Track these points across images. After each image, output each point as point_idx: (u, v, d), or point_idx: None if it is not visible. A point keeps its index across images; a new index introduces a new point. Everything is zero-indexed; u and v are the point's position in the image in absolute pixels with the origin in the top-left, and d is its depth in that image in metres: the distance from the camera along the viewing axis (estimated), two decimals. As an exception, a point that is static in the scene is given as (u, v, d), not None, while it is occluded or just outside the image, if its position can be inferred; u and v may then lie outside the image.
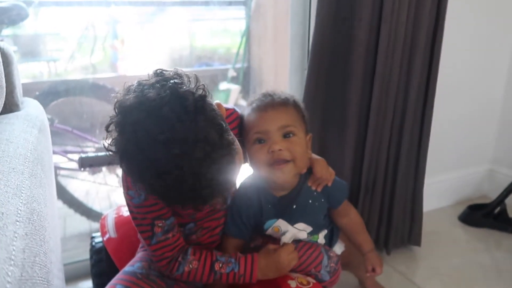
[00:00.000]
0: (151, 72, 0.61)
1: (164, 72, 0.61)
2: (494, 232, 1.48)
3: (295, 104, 0.81)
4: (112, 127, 0.58)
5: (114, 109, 0.58)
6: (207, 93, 0.60)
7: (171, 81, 0.57)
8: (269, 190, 0.83)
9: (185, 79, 0.59)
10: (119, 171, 1.63)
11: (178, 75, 0.60)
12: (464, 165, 1.68)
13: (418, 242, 1.35)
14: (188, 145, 0.54)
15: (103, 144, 0.60)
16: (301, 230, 0.86)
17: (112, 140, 0.59)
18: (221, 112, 0.64)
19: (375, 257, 0.93)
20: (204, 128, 0.55)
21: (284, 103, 0.79)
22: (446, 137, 1.56)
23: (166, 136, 0.53)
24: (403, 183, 1.28)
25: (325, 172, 0.84)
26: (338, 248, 0.95)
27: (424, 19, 1.12)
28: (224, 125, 0.59)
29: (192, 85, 0.59)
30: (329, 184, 0.84)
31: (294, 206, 0.84)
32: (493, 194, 1.61)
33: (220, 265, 0.77)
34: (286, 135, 0.77)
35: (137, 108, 0.55)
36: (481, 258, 1.34)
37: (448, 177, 1.64)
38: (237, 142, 0.65)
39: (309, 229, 0.87)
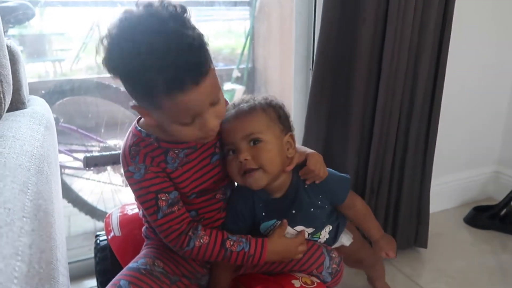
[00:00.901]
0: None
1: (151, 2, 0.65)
2: (499, 234, 1.47)
3: (263, 108, 0.79)
4: (104, 43, 0.62)
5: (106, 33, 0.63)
6: (185, 10, 0.65)
7: (156, 4, 0.63)
8: (264, 189, 0.83)
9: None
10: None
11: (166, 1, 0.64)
12: (470, 166, 1.67)
13: (424, 244, 1.34)
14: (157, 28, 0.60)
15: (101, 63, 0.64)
16: (300, 231, 0.86)
17: (105, 58, 0.63)
18: None
19: (386, 242, 0.93)
20: (183, 23, 0.62)
21: (249, 111, 0.78)
22: (452, 139, 1.55)
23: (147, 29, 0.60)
24: (409, 185, 1.27)
25: (319, 167, 0.83)
26: (346, 240, 0.94)
27: (430, 19, 1.11)
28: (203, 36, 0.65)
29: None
30: (317, 182, 0.84)
31: (294, 211, 0.83)
32: (499, 196, 1.61)
33: (231, 242, 0.77)
34: (253, 142, 0.77)
35: (121, 19, 0.62)
36: (486, 260, 1.33)
37: (454, 179, 1.63)
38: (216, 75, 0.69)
39: (311, 230, 0.86)
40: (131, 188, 0.76)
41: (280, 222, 0.84)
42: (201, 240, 0.76)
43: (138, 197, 0.75)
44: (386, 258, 0.94)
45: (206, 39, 0.65)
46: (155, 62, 0.59)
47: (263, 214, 0.84)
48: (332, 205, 0.88)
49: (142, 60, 0.59)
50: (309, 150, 0.86)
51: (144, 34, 0.59)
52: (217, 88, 0.69)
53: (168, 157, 0.75)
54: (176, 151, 0.76)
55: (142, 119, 0.77)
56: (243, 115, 0.78)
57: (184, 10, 0.64)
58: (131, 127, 0.78)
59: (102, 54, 0.63)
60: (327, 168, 0.85)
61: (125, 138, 0.77)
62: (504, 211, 1.49)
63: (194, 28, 0.63)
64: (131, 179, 0.74)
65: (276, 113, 0.81)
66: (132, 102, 0.70)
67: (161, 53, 0.59)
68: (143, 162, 0.73)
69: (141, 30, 0.60)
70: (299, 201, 0.83)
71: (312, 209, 0.84)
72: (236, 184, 0.87)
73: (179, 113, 0.65)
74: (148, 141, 0.74)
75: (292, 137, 0.83)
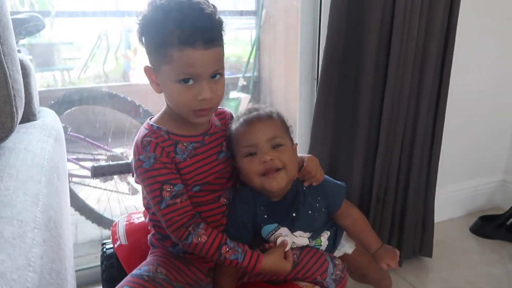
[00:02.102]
0: None
1: None
2: (506, 244, 1.46)
3: (279, 117, 0.84)
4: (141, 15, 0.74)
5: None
6: None
7: None
8: (264, 193, 0.85)
9: None
10: (130, 179, 1.65)
11: None
12: (477, 176, 1.66)
13: (429, 253, 1.33)
14: None
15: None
16: (299, 237, 0.87)
17: (139, 22, 0.74)
18: None
19: (386, 252, 0.92)
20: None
21: (269, 116, 0.83)
22: (458, 147, 1.55)
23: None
24: (415, 194, 1.27)
25: (316, 169, 0.86)
26: (349, 247, 0.94)
27: (435, 29, 1.12)
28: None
29: None
30: (314, 184, 0.85)
31: (294, 215, 0.84)
32: (505, 205, 1.60)
33: (227, 249, 0.79)
34: (274, 146, 0.80)
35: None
36: (494, 270, 1.32)
37: (460, 188, 1.63)
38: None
39: (308, 235, 0.87)
40: (140, 177, 0.78)
41: (281, 227, 0.85)
42: (199, 239, 0.78)
43: (145, 186, 0.78)
44: (388, 269, 0.94)
45: (224, 26, 0.76)
46: (177, 17, 0.69)
47: (265, 216, 0.85)
48: (328, 209, 0.89)
49: (167, 13, 0.70)
50: (305, 155, 0.89)
51: (175, 1, 0.71)
52: (221, 65, 0.76)
53: (178, 149, 0.79)
54: (185, 144, 0.80)
55: (154, 117, 0.83)
56: (265, 119, 0.82)
57: None
58: (143, 125, 0.83)
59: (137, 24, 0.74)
60: (326, 176, 0.88)
61: (138, 133, 0.81)
62: (510, 220, 1.48)
63: (213, 7, 0.75)
64: (141, 168, 0.77)
65: (286, 124, 0.86)
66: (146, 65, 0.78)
67: (185, 11, 0.70)
68: (154, 151, 0.76)
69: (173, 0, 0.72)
70: (299, 203, 0.84)
71: (310, 212, 0.85)
72: (238, 188, 0.89)
73: (183, 67, 0.72)
74: (159, 133, 0.79)
75: (296, 147, 0.86)
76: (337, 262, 0.88)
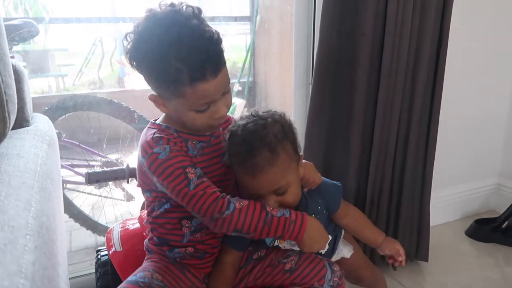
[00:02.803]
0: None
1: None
2: (502, 247, 1.46)
3: (283, 147, 0.75)
4: (129, 38, 0.72)
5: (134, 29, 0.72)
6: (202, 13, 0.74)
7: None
8: None
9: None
10: (125, 185, 1.64)
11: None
12: (471, 179, 1.67)
13: (425, 257, 1.33)
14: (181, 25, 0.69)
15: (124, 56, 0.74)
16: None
17: (131, 49, 0.72)
18: None
19: (393, 242, 0.91)
20: (200, 26, 0.70)
21: (273, 159, 0.73)
22: (453, 151, 1.55)
23: (173, 23, 0.69)
24: (409, 197, 1.27)
25: (313, 175, 0.86)
26: (347, 252, 0.94)
27: (428, 31, 1.13)
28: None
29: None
30: (312, 187, 0.86)
31: None
32: (500, 209, 1.60)
33: (271, 208, 0.77)
34: (279, 193, 0.78)
35: (147, 17, 0.71)
36: (490, 274, 1.32)
37: (455, 192, 1.63)
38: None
39: None
40: (158, 170, 0.74)
41: None
42: (241, 203, 0.75)
43: (166, 177, 0.73)
44: (396, 265, 0.92)
45: (220, 35, 0.73)
46: (181, 53, 0.67)
47: None
48: (328, 211, 0.88)
49: (168, 48, 0.67)
50: (301, 161, 0.87)
51: (171, 27, 0.68)
52: (229, 79, 0.76)
53: (188, 145, 0.79)
54: (194, 142, 0.80)
55: (157, 119, 0.83)
56: (268, 165, 0.73)
57: (200, 11, 0.73)
58: (145, 129, 0.81)
59: (126, 48, 0.72)
60: (323, 177, 0.88)
61: (143, 135, 0.80)
62: (506, 223, 1.48)
63: (210, 26, 0.73)
64: (157, 160, 0.74)
65: (291, 143, 0.79)
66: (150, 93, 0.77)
67: (186, 43, 0.67)
68: (167, 143, 0.75)
69: (168, 23, 0.69)
70: (302, 209, 0.84)
71: (313, 215, 0.85)
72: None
73: (198, 100, 0.72)
74: (168, 131, 0.79)
75: (301, 158, 0.84)
76: (335, 269, 0.87)
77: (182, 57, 0.67)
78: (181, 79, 0.68)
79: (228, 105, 0.77)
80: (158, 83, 0.73)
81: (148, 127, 0.81)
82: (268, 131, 0.75)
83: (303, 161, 0.87)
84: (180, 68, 0.67)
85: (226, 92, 0.75)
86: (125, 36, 0.72)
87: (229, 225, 0.74)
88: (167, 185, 0.74)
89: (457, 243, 1.50)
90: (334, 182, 0.90)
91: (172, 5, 0.72)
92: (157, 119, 0.83)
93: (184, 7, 0.72)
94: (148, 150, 0.75)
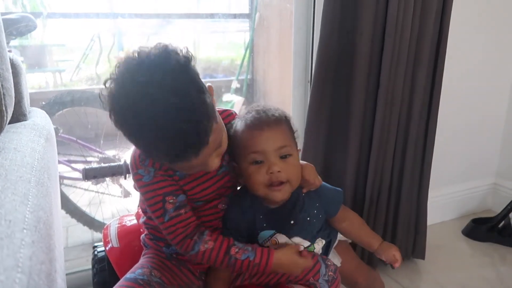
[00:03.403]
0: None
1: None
2: (498, 247, 1.47)
3: (287, 122, 0.81)
4: (109, 84, 0.63)
5: (115, 68, 0.63)
6: (192, 58, 0.65)
7: (162, 43, 0.63)
8: (263, 201, 0.84)
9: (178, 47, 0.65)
10: (123, 181, 1.64)
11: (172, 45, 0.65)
12: (468, 179, 1.67)
13: (422, 256, 1.34)
14: (165, 94, 0.59)
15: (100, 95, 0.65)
16: (297, 244, 0.86)
17: (107, 95, 0.63)
18: (210, 91, 0.69)
19: (389, 247, 0.91)
20: (183, 85, 0.61)
21: (278, 122, 0.78)
22: (450, 150, 1.56)
23: (147, 85, 0.59)
24: (407, 197, 1.27)
25: (313, 177, 0.84)
26: (337, 261, 0.95)
27: (427, 33, 1.13)
28: (205, 88, 0.65)
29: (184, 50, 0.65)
30: (312, 189, 0.85)
31: (292, 222, 0.84)
32: (497, 208, 1.61)
33: (236, 250, 0.77)
34: (282, 156, 0.77)
35: (127, 61, 0.62)
36: (485, 273, 1.32)
37: (452, 191, 1.64)
38: (220, 118, 0.71)
39: (306, 243, 0.87)
40: (140, 191, 0.77)
41: (278, 234, 0.84)
42: (206, 245, 0.76)
43: (146, 200, 0.76)
44: (392, 267, 0.92)
45: (207, 97, 0.64)
46: (157, 139, 0.61)
47: (264, 225, 0.84)
48: (326, 214, 0.88)
49: (145, 132, 0.61)
50: (302, 162, 0.87)
51: (143, 104, 0.59)
52: (220, 137, 0.70)
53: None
54: None
55: None
56: (275, 125, 0.77)
57: (188, 59, 0.64)
58: None
59: (106, 103, 0.64)
60: (323, 182, 0.87)
61: (133, 149, 0.78)
62: (502, 223, 1.49)
63: (196, 83, 0.63)
64: (140, 182, 0.75)
65: (292, 128, 0.83)
66: None
67: (161, 129, 0.59)
68: (153, 166, 0.75)
69: (140, 99, 0.59)
70: (298, 210, 0.84)
71: (308, 218, 0.84)
72: (233, 196, 0.87)
73: (182, 169, 0.72)
74: None
75: (299, 153, 0.85)
76: (329, 263, 0.87)
77: (157, 146, 0.62)
78: (159, 159, 0.69)
79: (221, 152, 0.73)
80: (141, 151, 0.72)
81: None
82: (275, 110, 0.81)
83: (304, 162, 0.87)
84: (155, 153, 0.64)
85: (218, 147, 0.70)
86: (101, 92, 0.64)
87: (195, 259, 0.78)
88: (147, 206, 0.77)
89: (454, 242, 1.51)
90: (336, 187, 0.89)
91: (147, 57, 0.61)
92: None
93: (161, 74, 0.60)
94: (133, 168, 0.76)
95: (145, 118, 0.59)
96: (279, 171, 0.75)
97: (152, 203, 0.75)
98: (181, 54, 0.63)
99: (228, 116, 0.85)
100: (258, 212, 0.84)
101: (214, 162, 0.71)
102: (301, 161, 0.87)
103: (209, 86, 0.70)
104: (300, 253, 0.81)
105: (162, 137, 0.60)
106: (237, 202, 0.86)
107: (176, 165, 0.68)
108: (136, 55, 0.62)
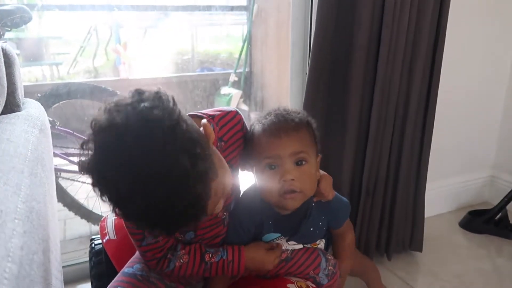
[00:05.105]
0: (131, 91, 0.56)
1: (142, 92, 0.55)
2: (495, 239, 1.47)
3: (308, 126, 0.79)
4: (87, 145, 0.54)
5: (91, 126, 0.54)
6: (181, 118, 0.54)
7: (143, 105, 0.53)
8: (273, 207, 0.83)
9: (164, 100, 0.54)
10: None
11: (157, 96, 0.55)
12: (465, 171, 1.68)
13: (419, 248, 1.34)
14: (154, 178, 0.50)
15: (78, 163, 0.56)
16: (291, 245, 0.87)
17: (87, 157, 0.55)
18: (207, 132, 0.62)
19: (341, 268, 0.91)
20: (171, 157, 0.51)
21: (297, 127, 0.76)
22: (448, 143, 1.56)
23: (130, 167, 0.50)
24: (404, 189, 1.27)
25: (329, 190, 0.83)
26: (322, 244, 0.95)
27: (425, 25, 1.12)
28: (198, 151, 0.54)
29: (170, 106, 0.54)
30: (322, 200, 0.84)
31: (296, 231, 0.84)
32: (494, 201, 1.61)
33: (210, 255, 0.78)
34: (298, 162, 0.75)
35: (105, 131, 0.52)
36: (482, 265, 1.33)
37: (449, 183, 1.64)
38: (221, 159, 0.64)
39: (298, 246, 0.87)
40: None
41: (282, 237, 0.85)
42: (181, 260, 0.77)
43: (125, 221, 0.72)
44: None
45: (204, 156, 0.55)
46: (157, 227, 0.56)
47: (271, 230, 0.84)
48: (329, 226, 0.88)
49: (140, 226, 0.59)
50: (321, 172, 0.85)
51: (132, 194, 0.52)
52: (222, 186, 0.63)
53: None
54: None
55: None
56: (293, 131, 0.75)
57: (172, 122, 0.53)
58: None
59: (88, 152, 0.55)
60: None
61: None
62: (499, 215, 1.49)
63: (186, 151, 0.52)
64: None
65: (314, 133, 0.81)
66: None
67: (158, 216, 0.53)
68: None
69: (127, 189, 0.52)
70: (304, 221, 0.83)
71: (312, 229, 0.84)
72: (241, 197, 0.86)
73: None
74: None
75: (320, 159, 0.82)
76: (329, 257, 0.88)
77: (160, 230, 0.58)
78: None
79: (226, 193, 0.67)
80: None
81: None
82: (297, 114, 0.79)
83: (323, 172, 0.85)
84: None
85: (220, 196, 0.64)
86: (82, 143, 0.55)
87: (171, 273, 0.78)
88: (125, 227, 0.75)
89: (451, 234, 1.51)
90: (344, 199, 0.88)
91: (124, 108, 0.53)
92: None
93: (146, 160, 0.50)
94: None
95: (139, 211, 0.53)
96: (292, 179, 0.74)
97: (131, 226, 0.73)
98: (164, 117, 0.52)
99: (233, 118, 0.79)
100: (268, 217, 0.83)
101: (218, 207, 0.66)
102: (320, 171, 0.84)
103: (205, 125, 0.63)
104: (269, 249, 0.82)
105: (161, 223, 0.55)
106: (247, 204, 0.84)
107: None
108: (114, 132, 0.51)
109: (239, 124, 0.79)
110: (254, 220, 0.83)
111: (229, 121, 0.78)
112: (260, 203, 0.82)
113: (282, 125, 0.75)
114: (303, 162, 0.75)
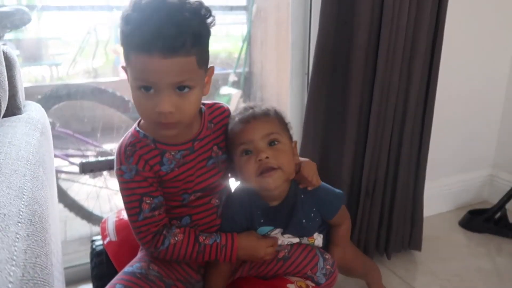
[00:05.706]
0: None
1: None
2: (494, 238, 1.48)
3: (276, 114, 0.83)
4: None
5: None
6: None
7: None
8: (262, 198, 0.84)
9: None
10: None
11: None
12: (465, 170, 1.68)
13: (418, 247, 1.35)
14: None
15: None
16: (287, 238, 0.88)
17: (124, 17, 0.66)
18: (210, 72, 0.75)
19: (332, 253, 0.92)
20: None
21: (265, 114, 0.81)
22: (447, 142, 1.56)
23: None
24: (404, 188, 1.28)
25: (312, 174, 0.84)
26: (320, 240, 0.96)
27: (424, 23, 1.13)
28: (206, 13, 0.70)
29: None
30: (309, 189, 0.85)
31: (287, 223, 0.85)
32: (493, 200, 1.62)
33: (204, 237, 0.80)
34: (271, 143, 0.78)
35: None
36: (481, 263, 1.33)
37: (449, 182, 1.64)
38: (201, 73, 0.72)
39: (295, 240, 0.88)
40: (119, 187, 0.77)
41: (276, 229, 0.85)
42: (176, 238, 0.78)
43: (123, 196, 0.77)
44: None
45: (205, 35, 0.70)
46: (140, 18, 0.64)
47: (261, 221, 0.85)
48: (322, 217, 0.89)
49: (134, 11, 0.65)
50: (303, 159, 0.87)
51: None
52: (189, 77, 0.67)
53: (164, 159, 0.77)
54: (173, 153, 0.77)
55: (142, 121, 0.78)
56: (261, 116, 0.80)
57: None
58: (131, 128, 0.80)
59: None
60: (325, 183, 0.87)
61: (124, 136, 0.79)
62: (498, 214, 1.49)
63: (195, 13, 0.67)
64: (121, 178, 0.76)
65: (284, 121, 0.85)
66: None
67: (150, 13, 0.64)
68: (136, 164, 0.74)
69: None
70: (295, 212, 0.84)
71: (304, 221, 0.85)
72: (233, 189, 0.88)
73: (139, 73, 0.66)
74: (145, 142, 0.76)
75: (296, 145, 0.85)
76: (327, 257, 0.88)
77: (138, 22, 0.64)
78: (131, 43, 0.65)
79: (179, 106, 0.68)
80: (121, 42, 0.69)
81: (130, 131, 0.78)
82: (264, 105, 0.84)
83: (305, 159, 0.87)
84: (133, 30, 0.65)
85: (181, 87, 0.67)
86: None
87: (164, 256, 0.79)
88: (123, 203, 0.78)
89: (451, 233, 1.52)
90: (336, 190, 0.89)
91: None
92: (141, 120, 0.79)
93: None
94: (117, 162, 0.76)
95: (145, 5, 0.65)
96: (267, 157, 0.76)
97: (128, 201, 0.76)
98: None
99: (221, 107, 0.86)
100: (256, 208, 0.85)
101: (165, 101, 0.66)
102: (301, 158, 0.87)
103: (211, 67, 0.75)
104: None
105: (147, 19, 0.63)
106: (235, 199, 0.86)
107: (138, 56, 0.65)
108: None
109: (226, 112, 0.86)
110: (244, 212, 0.85)
111: (217, 108, 0.85)
112: (249, 195, 0.84)
113: (250, 113, 0.81)
114: (276, 142, 0.79)
